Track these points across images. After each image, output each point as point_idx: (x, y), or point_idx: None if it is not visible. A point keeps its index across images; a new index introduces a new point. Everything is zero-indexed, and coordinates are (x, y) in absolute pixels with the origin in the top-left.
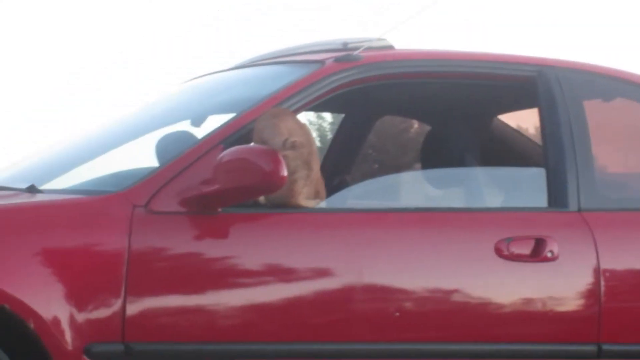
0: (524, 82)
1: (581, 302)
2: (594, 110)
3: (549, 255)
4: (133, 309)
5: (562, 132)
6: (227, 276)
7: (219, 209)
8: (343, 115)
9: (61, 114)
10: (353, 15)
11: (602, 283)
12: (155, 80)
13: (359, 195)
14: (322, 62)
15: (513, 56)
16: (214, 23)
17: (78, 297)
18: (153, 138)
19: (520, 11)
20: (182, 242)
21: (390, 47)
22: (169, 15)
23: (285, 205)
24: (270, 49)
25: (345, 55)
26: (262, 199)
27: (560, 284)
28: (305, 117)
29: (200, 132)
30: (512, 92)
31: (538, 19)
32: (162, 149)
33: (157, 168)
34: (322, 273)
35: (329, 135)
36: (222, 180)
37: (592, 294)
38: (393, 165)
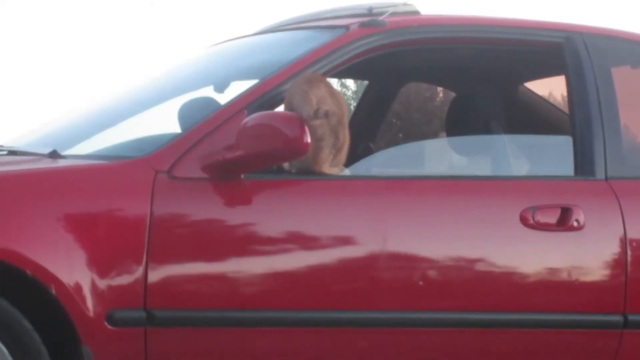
0: (551, 48)
1: (607, 272)
2: (622, 77)
3: (575, 224)
4: (155, 275)
5: (589, 100)
6: (249, 243)
7: (242, 175)
8: (367, 83)
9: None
10: None
11: (629, 252)
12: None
13: (383, 163)
14: (346, 27)
15: (540, 22)
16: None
17: (100, 263)
18: (176, 104)
19: None
20: (204, 209)
21: (416, 13)
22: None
23: (310, 172)
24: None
25: (370, 21)
26: (286, 165)
27: (586, 254)
28: None
29: (223, 98)
30: (538, 59)
31: None
32: (185, 114)
33: (180, 134)
34: (345, 241)
35: (353, 103)
36: (245, 146)
37: (618, 264)
38: (418, 133)
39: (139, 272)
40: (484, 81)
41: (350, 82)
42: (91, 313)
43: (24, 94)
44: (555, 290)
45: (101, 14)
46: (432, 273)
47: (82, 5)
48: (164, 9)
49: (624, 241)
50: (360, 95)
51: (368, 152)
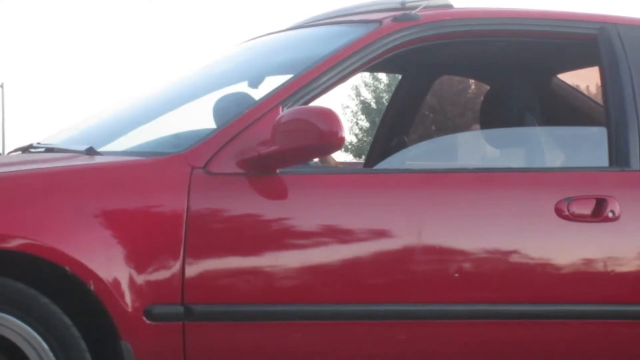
0: (585, 40)
1: None
2: None
3: (610, 215)
4: (192, 270)
5: (623, 91)
6: (285, 237)
7: (278, 170)
8: (400, 77)
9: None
10: None
11: None
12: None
13: (417, 156)
14: (379, 21)
15: (574, 13)
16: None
17: (137, 259)
18: (211, 100)
19: None
20: (240, 204)
21: (449, 6)
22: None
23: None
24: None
25: (403, 15)
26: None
27: (621, 244)
28: (361, 79)
29: (258, 94)
30: (573, 50)
31: None
32: (220, 110)
33: (215, 129)
34: (381, 234)
35: (385, 97)
36: (280, 141)
37: None
38: (451, 126)
39: (176, 267)
40: (517, 73)
41: (383, 76)
42: (129, 308)
43: (38, 91)
44: (590, 282)
45: (100, 13)
46: (467, 265)
47: (80, 4)
48: (163, 7)
49: None
50: (393, 89)
51: (402, 145)
